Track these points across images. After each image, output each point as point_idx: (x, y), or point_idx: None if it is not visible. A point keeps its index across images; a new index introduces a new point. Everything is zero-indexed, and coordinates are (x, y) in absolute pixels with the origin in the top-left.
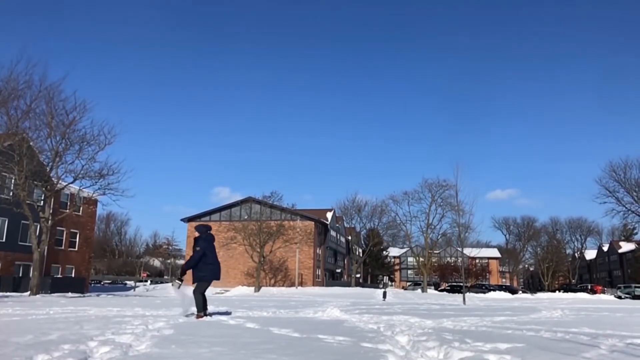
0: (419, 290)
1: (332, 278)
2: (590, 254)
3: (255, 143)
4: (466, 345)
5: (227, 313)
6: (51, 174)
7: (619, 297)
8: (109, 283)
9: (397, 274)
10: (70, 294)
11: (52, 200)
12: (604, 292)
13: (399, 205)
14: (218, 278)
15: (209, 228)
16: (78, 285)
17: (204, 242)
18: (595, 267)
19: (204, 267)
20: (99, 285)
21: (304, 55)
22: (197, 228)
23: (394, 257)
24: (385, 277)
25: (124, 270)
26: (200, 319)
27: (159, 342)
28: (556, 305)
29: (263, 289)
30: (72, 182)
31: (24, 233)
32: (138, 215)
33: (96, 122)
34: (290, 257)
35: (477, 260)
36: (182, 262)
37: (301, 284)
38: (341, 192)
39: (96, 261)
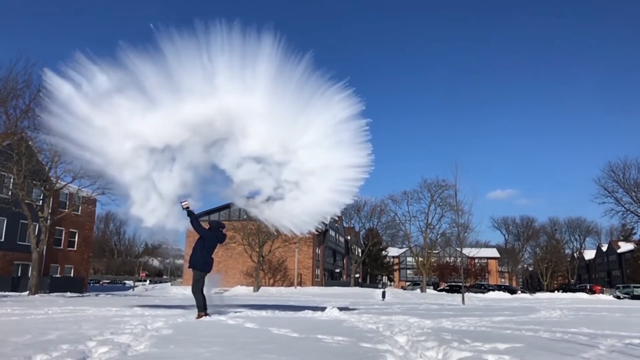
0: (418, 290)
1: (331, 278)
2: (589, 254)
3: None
4: (465, 345)
5: (226, 313)
6: (50, 174)
7: (618, 297)
8: (107, 283)
9: (396, 273)
10: (69, 294)
11: (51, 199)
12: (602, 292)
13: (398, 205)
14: (209, 270)
15: (223, 227)
16: (77, 285)
17: (212, 232)
18: (594, 267)
19: (199, 256)
20: (97, 285)
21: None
22: (210, 222)
23: (393, 257)
24: (384, 277)
25: (123, 270)
26: (199, 318)
27: (158, 342)
28: (555, 305)
29: (262, 288)
30: (71, 182)
31: (22, 232)
32: None
33: None
34: (290, 256)
35: (476, 260)
36: (181, 261)
37: (300, 283)
38: None
39: (95, 261)
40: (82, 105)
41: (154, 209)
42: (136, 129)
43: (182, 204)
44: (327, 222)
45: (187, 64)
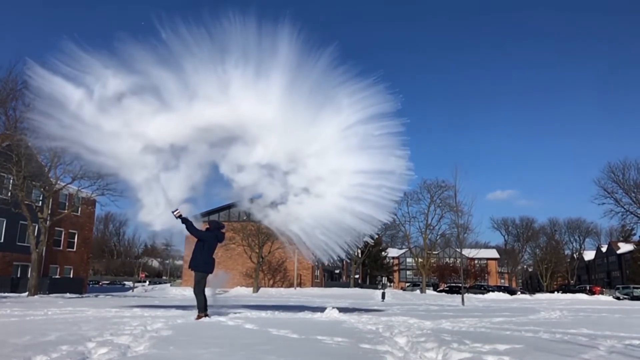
0: (418, 291)
1: (331, 279)
2: (589, 255)
3: None
4: (465, 346)
5: (225, 314)
6: (50, 174)
7: (618, 298)
8: (107, 284)
9: (396, 274)
10: (68, 295)
11: (51, 200)
12: (602, 293)
13: (398, 205)
14: (210, 270)
15: (222, 227)
16: (76, 286)
17: (210, 233)
18: (593, 268)
19: (199, 257)
20: (97, 285)
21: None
22: (210, 222)
23: (393, 257)
24: (384, 277)
25: (123, 270)
26: (199, 319)
27: (157, 343)
28: (555, 306)
29: (262, 289)
30: (70, 183)
31: (22, 233)
32: None
33: None
34: (289, 257)
35: (476, 261)
36: (181, 262)
37: (300, 284)
38: None
39: (94, 262)
40: (92, 110)
41: (162, 213)
42: (146, 130)
43: (174, 213)
44: (360, 246)
45: (200, 67)
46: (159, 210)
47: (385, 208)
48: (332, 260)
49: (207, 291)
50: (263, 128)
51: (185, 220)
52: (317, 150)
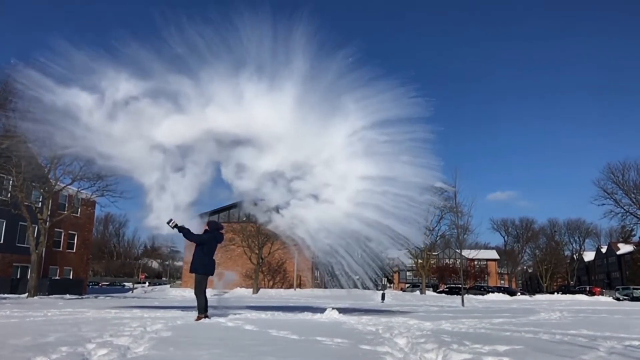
0: (418, 292)
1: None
2: (589, 256)
3: None
4: (465, 347)
5: (225, 315)
6: (49, 176)
7: (617, 299)
8: (107, 285)
9: (395, 275)
10: (68, 296)
11: (50, 201)
12: (602, 294)
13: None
14: (211, 272)
15: (221, 227)
16: (76, 287)
17: (210, 235)
18: (593, 269)
19: (199, 260)
20: (97, 287)
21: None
22: (208, 223)
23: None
24: (383, 279)
25: (122, 272)
26: (199, 320)
27: (157, 344)
28: (555, 307)
29: (261, 290)
30: (70, 184)
31: (22, 234)
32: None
33: None
34: (289, 258)
35: (475, 262)
36: (180, 263)
37: (300, 285)
38: None
39: (94, 263)
40: (103, 116)
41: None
42: (158, 132)
43: (170, 224)
44: (390, 272)
45: (215, 78)
46: (167, 214)
47: (405, 220)
48: (363, 286)
49: (212, 292)
50: (274, 138)
51: (181, 229)
52: (324, 159)
